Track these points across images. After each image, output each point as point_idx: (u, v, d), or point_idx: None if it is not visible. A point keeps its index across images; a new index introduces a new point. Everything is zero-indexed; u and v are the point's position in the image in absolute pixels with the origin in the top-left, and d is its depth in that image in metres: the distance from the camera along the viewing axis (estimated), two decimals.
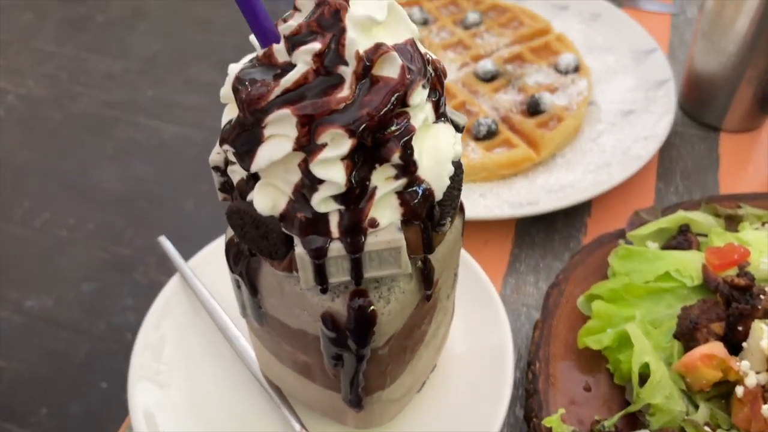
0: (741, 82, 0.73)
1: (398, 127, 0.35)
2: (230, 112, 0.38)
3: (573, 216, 0.70)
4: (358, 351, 0.42)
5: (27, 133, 2.36)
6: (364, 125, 0.34)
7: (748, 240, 0.56)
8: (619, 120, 0.75)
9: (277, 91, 0.34)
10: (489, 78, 0.78)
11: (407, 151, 0.35)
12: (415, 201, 0.37)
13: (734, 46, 0.71)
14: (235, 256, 0.44)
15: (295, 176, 0.35)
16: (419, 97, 0.36)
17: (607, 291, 0.55)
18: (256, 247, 0.39)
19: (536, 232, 0.69)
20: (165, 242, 0.66)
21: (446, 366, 0.56)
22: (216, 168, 0.40)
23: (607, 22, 0.87)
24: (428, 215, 0.38)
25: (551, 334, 0.56)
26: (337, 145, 0.34)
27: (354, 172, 0.35)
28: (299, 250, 0.36)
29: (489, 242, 0.68)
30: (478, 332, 0.58)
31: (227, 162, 0.40)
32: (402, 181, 0.36)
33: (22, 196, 2.08)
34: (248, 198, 0.38)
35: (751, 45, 0.70)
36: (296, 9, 0.36)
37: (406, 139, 0.35)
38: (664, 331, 0.52)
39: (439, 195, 0.38)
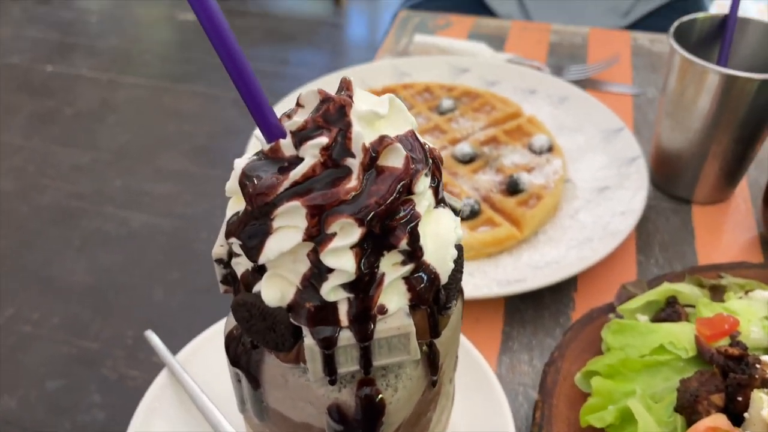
0: (707, 157, 0.77)
1: (405, 214, 0.36)
2: (235, 206, 0.38)
3: (560, 291, 0.71)
4: None
5: None
6: (372, 213, 0.34)
7: (735, 309, 0.57)
8: (594, 196, 0.78)
9: (285, 183, 0.35)
10: (467, 160, 0.80)
11: (414, 237, 0.36)
12: (422, 285, 0.37)
13: (698, 124, 0.75)
14: (235, 350, 0.43)
15: (304, 266, 0.35)
16: (423, 184, 0.37)
17: (605, 366, 0.55)
18: (262, 339, 0.38)
19: (525, 309, 0.69)
20: (152, 336, 0.64)
21: None
22: (219, 261, 0.40)
23: (574, 104, 0.91)
24: (434, 299, 0.39)
25: (552, 414, 0.56)
26: (346, 234, 0.34)
27: (363, 260, 0.35)
28: (308, 341, 0.36)
29: (480, 321, 0.68)
30: (478, 416, 0.57)
31: (230, 254, 0.40)
32: (409, 267, 0.36)
33: None
34: (254, 290, 0.38)
35: (714, 122, 0.73)
36: (299, 105, 0.38)
37: (412, 225, 0.36)
38: (665, 405, 0.52)
39: (444, 278, 0.38)
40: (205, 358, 0.62)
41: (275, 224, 0.35)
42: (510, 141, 0.83)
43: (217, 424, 0.56)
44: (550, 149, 0.81)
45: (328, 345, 0.36)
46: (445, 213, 0.40)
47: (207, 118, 2.75)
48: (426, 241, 0.38)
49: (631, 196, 0.76)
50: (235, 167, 0.37)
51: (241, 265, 0.39)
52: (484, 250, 0.71)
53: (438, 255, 0.38)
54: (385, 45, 1.11)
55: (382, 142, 0.35)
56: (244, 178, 0.36)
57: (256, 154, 0.38)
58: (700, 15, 0.76)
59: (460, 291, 0.47)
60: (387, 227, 0.35)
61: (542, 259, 0.71)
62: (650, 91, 1.00)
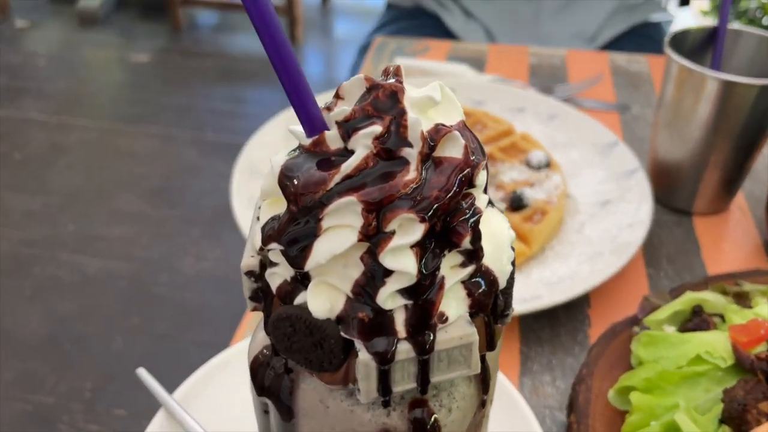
0: (707, 167, 0.76)
1: (466, 208, 0.32)
2: (270, 210, 0.34)
3: (574, 309, 0.68)
4: None
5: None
6: (435, 207, 0.31)
7: (765, 315, 0.55)
8: (598, 210, 0.76)
9: (336, 178, 0.31)
10: None
11: (476, 234, 0.32)
12: (481, 290, 0.34)
13: (697, 133, 0.74)
14: (263, 376, 0.38)
15: (356, 271, 0.31)
16: (483, 177, 0.33)
17: (642, 381, 0.52)
18: (304, 358, 0.34)
19: (541, 328, 0.66)
20: (144, 375, 0.58)
21: None
22: (250, 273, 0.36)
23: (564, 120, 0.90)
24: (492, 306, 0.35)
25: None
26: (407, 231, 0.31)
27: (424, 260, 0.31)
28: (363, 355, 0.32)
29: None
30: None
31: (263, 266, 0.35)
32: (470, 269, 0.33)
33: None
34: (296, 302, 0.33)
35: (713, 130, 0.73)
36: (339, 97, 0.34)
37: (474, 221, 0.32)
38: (710, 417, 0.49)
39: (502, 282, 0.35)
40: (204, 395, 0.57)
41: (324, 224, 0.31)
42: (506, 158, 0.80)
43: None
44: (548, 165, 0.79)
45: (384, 360, 0.32)
46: (495, 212, 0.37)
47: (162, 158, 2.67)
48: (484, 241, 0.35)
49: (635, 208, 0.74)
50: (272, 165, 0.33)
51: (278, 275, 0.34)
52: None
53: (495, 256, 0.35)
54: (364, 69, 1.09)
55: (439, 131, 0.32)
56: (284, 177, 0.32)
57: (295, 149, 0.34)
58: (692, 27, 0.76)
59: None
60: (448, 224, 0.32)
61: (554, 275, 0.68)
62: (635, 108, 1.00)
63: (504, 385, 0.56)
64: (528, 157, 0.80)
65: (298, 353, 0.34)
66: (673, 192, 0.80)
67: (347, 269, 0.32)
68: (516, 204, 0.73)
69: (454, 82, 0.97)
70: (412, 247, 0.31)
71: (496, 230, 0.36)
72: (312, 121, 0.33)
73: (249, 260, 0.36)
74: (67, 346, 1.92)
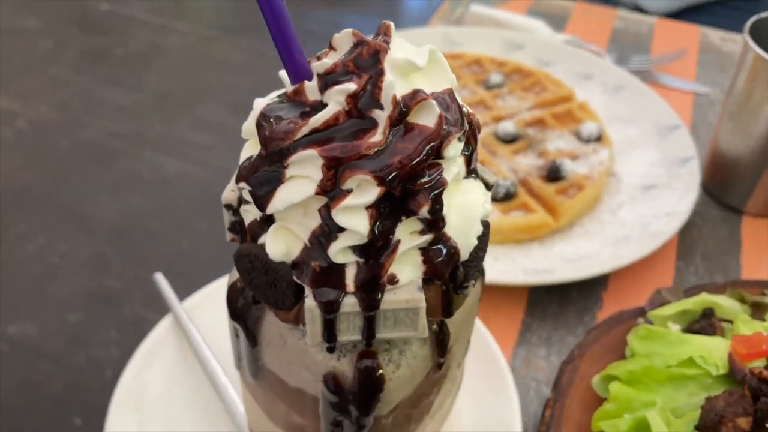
0: (767, 167, 0.71)
1: (430, 179, 0.32)
2: (250, 149, 0.35)
3: (588, 288, 0.67)
4: (359, 418, 0.39)
5: (31, 157, 2.34)
6: (394, 173, 0.31)
7: None
8: (639, 194, 0.73)
9: (304, 129, 0.32)
10: (509, 140, 0.76)
11: (437, 205, 0.33)
12: (440, 259, 0.34)
13: (763, 129, 0.69)
14: (236, 303, 0.41)
15: (314, 222, 0.33)
16: (454, 149, 0.33)
17: (626, 373, 0.52)
18: (262, 294, 0.36)
19: (549, 302, 0.66)
20: (160, 279, 0.63)
21: None
22: (228, 206, 0.38)
23: (630, 94, 0.86)
24: (451, 276, 0.36)
25: (563, 415, 0.53)
26: (363, 192, 0.31)
27: (378, 223, 0.32)
28: (309, 302, 0.33)
29: (500, 309, 0.65)
30: (485, 407, 0.54)
31: (240, 201, 0.37)
32: (427, 237, 0.33)
33: (19, 219, 2.04)
34: (260, 241, 0.35)
35: None
36: (332, 48, 0.34)
37: (436, 192, 0.32)
38: (685, 421, 0.48)
39: (464, 255, 0.35)
40: (211, 308, 0.60)
41: (288, 173, 0.32)
42: (557, 125, 0.78)
43: (213, 375, 0.55)
44: (599, 138, 0.77)
45: (329, 309, 0.33)
46: (475, 185, 0.37)
47: (251, 72, 2.72)
48: (450, 212, 0.35)
49: (678, 197, 0.71)
50: (255, 107, 0.34)
51: (250, 213, 0.36)
52: (515, 235, 0.67)
53: (461, 229, 0.35)
54: (440, 13, 1.06)
55: (414, 97, 0.32)
56: (262, 120, 0.33)
57: (279, 95, 0.35)
58: None
59: (481, 272, 0.43)
60: (408, 191, 0.32)
61: (575, 252, 0.67)
62: (714, 92, 0.94)
63: (491, 349, 0.57)
64: (579, 127, 0.77)
65: (257, 289, 0.36)
66: (727, 187, 0.76)
67: (306, 219, 0.33)
68: (553, 174, 0.72)
69: (523, 38, 0.93)
70: (367, 208, 0.32)
71: (469, 203, 0.36)
72: (296, 69, 0.34)
73: (229, 194, 0.38)
74: (137, 239, 2.05)
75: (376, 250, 0.33)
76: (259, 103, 0.34)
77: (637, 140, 0.80)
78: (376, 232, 0.32)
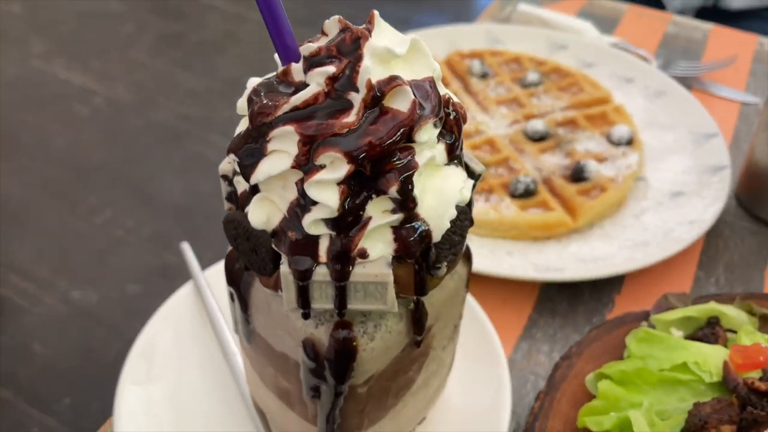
0: None
1: (400, 161, 0.34)
2: (244, 124, 0.38)
3: (602, 290, 0.67)
4: (335, 386, 0.41)
5: (106, 134, 2.47)
6: (364, 153, 0.33)
7: None
8: (666, 200, 0.73)
9: (285, 107, 0.34)
10: (537, 138, 0.76)
11: (406, 186, 0.34)
12: (411, 238, 0.36)
13: None
14: (232, 268, 0.44)
15: (292, 194, 0.35)
16: (427, 134, 0.35)
17: (618, 372, 0.52)
18: (246, 259, 0.38)
19: (560, 301, 0.66)
20: (186, 249, 0.67)
21: (436, 420, 0.54)
22: (224, 177, 0.41)
23: (671, 100, 0.84)
24: (424, 256, 0.37)
25: (552, 408, 0.53)
26: (334, 168, 0.34)
27: (349, 199, 0.34)
28: (284, 268, 0.36)
29: (508, 302, 0.66)
30: (476, 391, 0.56)
31: (235, 172, 0.40)
32: (398, 216, 0.35)
33: (90, 193, 2.16)
34: (246, 210, 0.38)
35: None
36: (323, 33, 0.37)
37: (406, 174, 0.34)
38: (670, 424, 0.48)
39: (437, 236, 0.37)
40: None
41: (270, 147, 0.35)
42: (589, 127, 0.78)
43: (225, 343, 0.58)
44: (630, 142, 0.76)
45: (302, 277, 0.36)
46: (455, 172, 0.38)
47: None
48: (425, 195, 0.37)
49: (705, 206, 0.70)
50: (248, 86, 0.37)
51: (242, 184, 0.39)
52: (530, 232, 0.68)
53: (435, 211, 0.37)
54: (488, 11, 1.07)
55: (390, 82, 0.34)
56: (252, 96, 0.36)
57: (271, 75, 0.38)
58: None
59: (468, 258, 0.45)
60: (379, 170, 0.34)
61: (590, 253, 0.67)
62: (762, 102, 0.91)
63: (490, 338, 0.58)
64: (611, 130, 0.77)
65: (242, 254, 0.39)
66: (760, 199, 0.74)
67: (285, 191, 0.36)
68: (576, 175, 0.72)
69: (567, 39, 0.93)
70: (339, 183, 0.34)
71: (446, 188, 0.37)
72: (285, 52, 0.36)
73: (225, 165, 0.41)
74: (200, 220, 2.13)
75: (347, 224, 0.35)
76: (252, 82, 0.37)
77: (673, 146, 0.79)
78: (346, 207, 0.34)
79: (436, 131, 0.36)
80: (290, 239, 0.36)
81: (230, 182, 0.41)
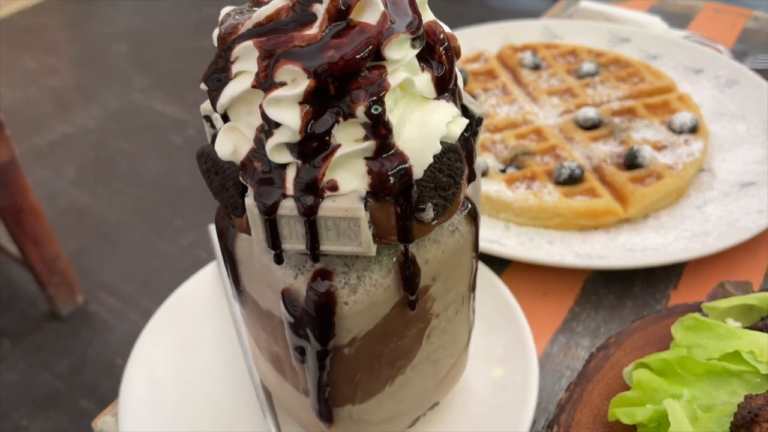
0: None
1: (369, 79, 0.32)
2: None
3: (656, 284, 0.60)
4: (318, 344, 0.38)
5: (195, 162, 2.58)
6: (326, 67, 0.31)
7: None
8: (734, 191, 0.65)
9: (248, 24, 0.32)
10: (589, 126, 0.71)
11: (376, 108, 0.31)
12: (386, 171, 0.33)
13: None
14: (220, 222, 0.42)
15: (257, 119, 0.33)
16: (400, 52, 0.32)
17: (659, 361, 0.46)
18: (219, 198, 0.36)
19: (606, 294, 0.60)
20: (213, 230, 0.66)
21: (451, 407, 0.49)
22: (206, 117, 0.39)
23: (745, 89, 0.77)
24: (405, 195, 0.34)
25: (582, 399, 0.47)
26: (295, 85, 0.31)
27: (313, 121, 0.32)
28: (249, 200, 0.34)
29: (548, 294, 0.60)
30: (499, 381, 0.51)
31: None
32: (370, 144, 0.32)
33: (177, 216, 2.25)
34: None
35: None
36: None
37: (376, 94, 0.31)
38: (717, 418, 0.41)
39: (418, 172, 0.34)
40: None
41: (234, 69, 0.33)
42: (647, 115, 0.72)
43: (238, 322, 0.56)
44: (694, 130, 0.69)
45: (268, 210, 0.33)
46: (444, 107, 0.35)
47: None
48: (404, 125, 0.34)
49: None
50: (221, 13, 0.35)
51: (219, 120, 0.37)
52: (575, 220, 0.63)
53: (416, 144, 0.34)
54: (552, 11, 1.03)
55: None
56: (221, 22, 0.34)
57: (248, 3, 0.36)
58: None
59: (473, 218, 0.41)
60: (346, 90, 0.32)
61: (641, 243, 0.61)
62: None
63: (519, 323, 0.53)
64: (672, 117, 0.71)
65: (215, 192, 0.37)
66: None
67: (250, 117, 0.33)
68: (629, 161, 0.66)
69: (630, 31, 0.87)
70: (300, 103, 0.31)
71: (430, 121, 0.34)
72: None
73: (206, 105, 0.39)
74: None
75: (312, 150, 0.32)
76: (225, 10, 0.35)
77: (745, 136, 0.72)
78: (310, 130, 0.32)
79: (413, 51, 0.33)
80: (256, 169, 0.33)
81: (213, 124, 0.39)
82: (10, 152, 1.45)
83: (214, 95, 0.34)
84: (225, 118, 0.35)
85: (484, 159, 0.68)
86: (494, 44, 0.87)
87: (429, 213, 0.35)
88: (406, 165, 0.33)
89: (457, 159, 0.35)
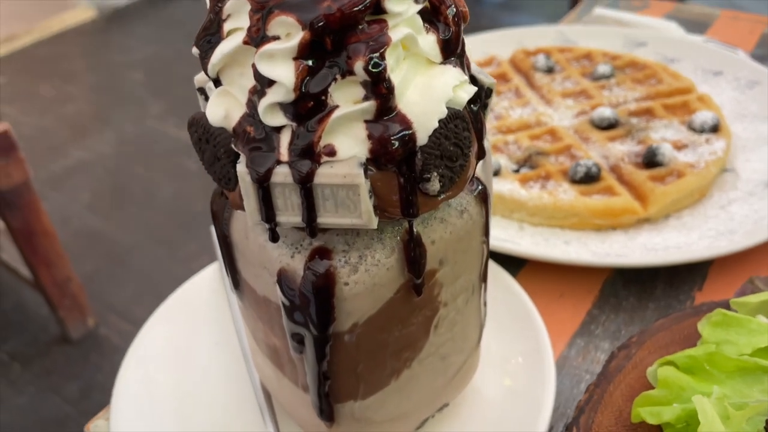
0: None
1: (368, 32, 0.29)
2: None
3: (679, 285, 0.57)
4: (317, 329, 0.35)
5: (209, 186, 2.57)
6: (322, 19, 0.29)
7: None
8: (760, 190, 0.62)
9: None
10: (605, 126, 0.69)
11: (376, 65, 0.29)
12: (389, 136, 0.31)
13: None
14: (214, 205, 0.40)
15: (250, 81, 0.31)
16: (401, 4, 0.30)
17: (685, 358, 0.42)
18: (211, 170, 0.34)
19: (626, 296, 0.57)
20: (213, 232, 0.64)
21: (462, 409, 0.46)
22: (200, 90, 0.37)
23: (766, 90, 0.74)
24: (408, 164, 0.32)
25: (602, 401, 0.44)
26: (289, 38, 0.29)
27: (307, 78, 0.30)
28: (241, 167, 0.31)
29: (565, 296, 0.57)
30: (514, 385, 0.47)
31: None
32: (369, 104, 0.30)
33: (190, 240, 2.24)
34: None
35: None
36: None
37: (376, 49, 0.29)
38: (750, 416, 0.38)
39: (422, 138, 0.31)
40: None
41: (226, 27, 0.31)
42: (667, 115, 0.69)
43: (238, 322, 0.54)
44: (715, 129, 0.67)
45: (261, 177, 0.31)
46: (451, 71, 0.33)
47: None
48: (407, 87, 0.31)
49: None
50: None
51: (211, 89, 0.35)
52: (591, 219, 0.60)
53: (420, 108, 0.31)
54: (566, 19, 1.01)
55: None
56: None
57: None
58: None
59: (483, 200, 0.38)
60: (344, 45, 0.30)
61: (662, 243, 0.58)
62: None
63: (535, 325, 0.50)
64: (692, 117, 0.68)
65: (208, 166, 0.34)
66: None
67: (243, 79, 0.31)
68: (648, 159, 0.63)
69: (646, 35, 0.85)
70: (295, 59, 0.29)
71: (435, 84, 0.32)
72: None
73: (201, 76, 0.37)
74: None
75: (307, 111, 0.30)
76: None
77: None
78: (305, 88, 0.30)
79: (416, 6, 0.31)
80: (247, 134, 0.31)
81: (207, 96, 0.37)
82: (24, 174, 1.45)
83: (205, 59, 0.32)
84: (217, 83, 0.33)
85: (496, 159, 0.65)
86: (507, 50, 0.85)
87: (434, 184, 0.33)
88: (410, 129, 0.31)
89: (464, 128, 0.33)
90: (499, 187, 0.62)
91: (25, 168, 1.45)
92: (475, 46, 0.85)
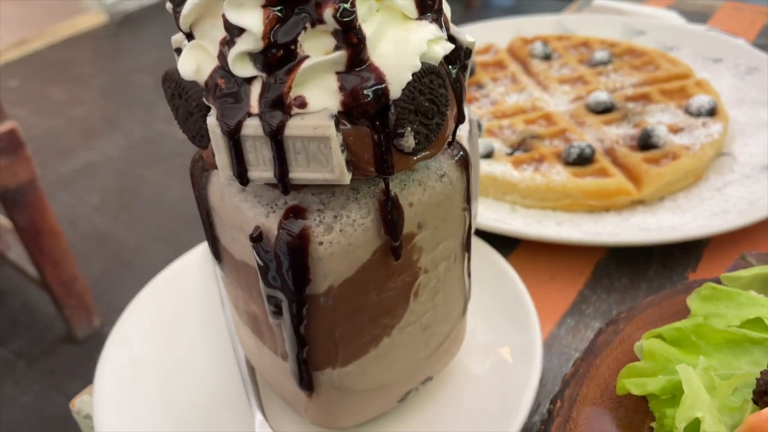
0: None
1: None
2: None
3: (672, 266, 0.56)
4: (292, 290, 0.35)
5: None
6: None
7: None
8: (756, 173, 0.61)
9: None
10: (601, 110, 0.68)
11: (346, 11, 0.29)
12: (361, 88, 0.30)
13: None
14: (194, 170, 0.39)
15: (221, 32, 0.31)
16: None
17: (672, 330, 0.41)
18: (184, 126, 0.34)
19: (619, 277, 0.56)
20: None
21: (446, 383, 0.46)
22: (178, 50, 0.37)
23: (766, 76, 0.73)
24: (381, 120, 0.31)
25: (588, 374, 0.43)
26: None
27: (276, 26, 0.29)
28: (211, 120, 0.31)
29: (556, 278, 0.56)
30: (499, 360, 0.47)
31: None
32: (340, 54, 0.30)
33: (197, 241, 2.24)
34: None
35: None
36: None
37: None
38: (738, 387, 0.37)
39: (395, 91, 0.31)
40: None
41: None
42: (663, 100, 0.69)
43: (224, 299, 0.53)
44: (712, 113, 0.66)
45: (232, 131, 0.31)
46: (426, 26, 0.32)
47: None
48: (380, 40, 0.31)
49: None
50: None
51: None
52: (585, 200, 0.59)
53: (393, 60, 0.31)
54: (566, 11, 1.01)
55: None
56: None
57: None
58: None
59: (464, 165, 0.38)
60: None
61: (656, 223, 0.57)
62: None
63: (521, 299, 0.49)
64: (689, 101, 0.67)
65: (182, 123, 0.34)
66: None
67: (214, 30, 0.31)
68: (643, 141, 0.62)
69: (645, 23, 0.85)
70: (264, 6, 0.29)
71: (409, 37, 0.32)
72: None
73: (178, 37, 0.37)
74: None
75: (277, 60, 0.30)
76: None
77: (767, 121, 0.68)
78: (273, 37, 0.29)
79: None
80: (219, 87, 0.31)
81: None
82: (30, 173, 1.46)
83: (177, 11, 0.32)
84: (191, 38, 0.33)
85: (490, 142, 0.65)
86: (505, 39, 0.85)
87: (409, 140, 0.32)
88: (382, 83, 0.30)
89: (440, 84, 0.33)
90: (492, 169, 0.61)
91: (31, 167, 1.46)
92: (474, 34, 0.84)
